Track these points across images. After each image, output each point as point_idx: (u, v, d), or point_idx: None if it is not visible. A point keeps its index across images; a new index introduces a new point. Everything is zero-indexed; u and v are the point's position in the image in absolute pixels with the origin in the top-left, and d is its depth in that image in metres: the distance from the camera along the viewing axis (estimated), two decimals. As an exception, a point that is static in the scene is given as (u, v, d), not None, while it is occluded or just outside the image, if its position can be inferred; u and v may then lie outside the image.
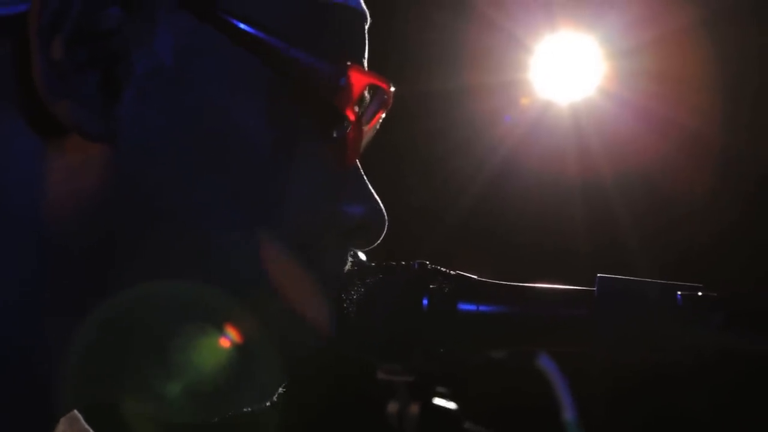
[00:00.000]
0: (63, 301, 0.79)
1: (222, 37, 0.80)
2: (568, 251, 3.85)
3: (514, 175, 4.02)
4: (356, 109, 0.86)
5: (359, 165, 0.93)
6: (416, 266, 0.92)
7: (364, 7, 0.93)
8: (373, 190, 0.92)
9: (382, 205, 0.93)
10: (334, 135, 0.87)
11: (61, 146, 0.77)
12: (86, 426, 0.99)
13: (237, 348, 0.85)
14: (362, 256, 1.07)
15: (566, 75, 3.94)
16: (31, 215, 0.77)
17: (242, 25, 0.80)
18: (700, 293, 0.83)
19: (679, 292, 0.83)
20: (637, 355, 0.86)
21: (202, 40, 0.80)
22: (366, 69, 0.90)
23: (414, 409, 1.75)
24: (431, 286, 0.91)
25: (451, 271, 0.93)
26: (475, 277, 0.93)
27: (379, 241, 0.93)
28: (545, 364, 2.09)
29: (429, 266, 0.93)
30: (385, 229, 0.93)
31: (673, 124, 3.86)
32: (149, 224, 0.79)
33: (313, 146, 0.86)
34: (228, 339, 0.84)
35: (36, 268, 0.78)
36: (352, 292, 0.92)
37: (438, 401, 1.77)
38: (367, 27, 0.93)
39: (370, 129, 0.95)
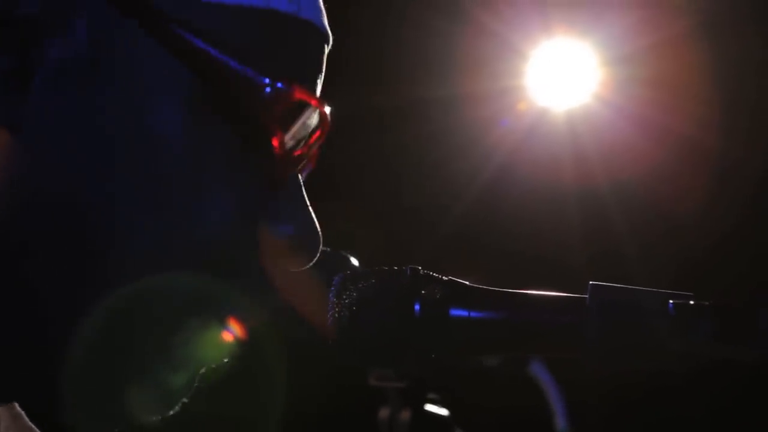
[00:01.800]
0: None
1: (145, 34, 0.77)
2: (562, 258, 3.85)
3: (510, 181, 4.02)
4: (285, 126, 0.82)
5: (300, 182, 0.88)
6: (408, 272, 0.92)
7: (327, 28, 0.90)
8: (310, 208, 0.87)
9: (317, 223, 0.87)
10: (261, 151, 0.82)
11: None
12: (30, 423, 0.98)
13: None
14: (354, 261, 1.07)
15: (562, 81, 3.94)
16: None
17: (168, 25, 0.77)
18: (691, 302, 0.83)
19: (671, 301, 0.83)
20: (627, 363, 0.85)
21: (124, 34, 0.77)
22: (302, 87, 0.84)
23: (405, 415, 1.75)
24: (423, 292, 0.90)
25: (444, 277, 0.93)
26: (468, 283, 0.92)
27: (313, 261, 0.89)
28: (537, 371, 2.10)
29: (421, 272, 0.92)
30: (320, 247, 0.88)
31: (670, 131, 3.86)
32: (48, 217, 0.77)
33: (236, 160, 0.82)
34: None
35: None
36: (344, 297, 0.92)
37: (429, 407, 1.77)
38: (326, 49, 0.90)
39: (307, 150, 0.87)
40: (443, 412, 1.77)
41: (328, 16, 0.92)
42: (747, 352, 0.80)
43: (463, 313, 0.89)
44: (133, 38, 0.78)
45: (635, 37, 3.77)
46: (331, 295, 0.91)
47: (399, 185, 4.06)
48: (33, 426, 0.98)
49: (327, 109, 0.86)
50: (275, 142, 0.82)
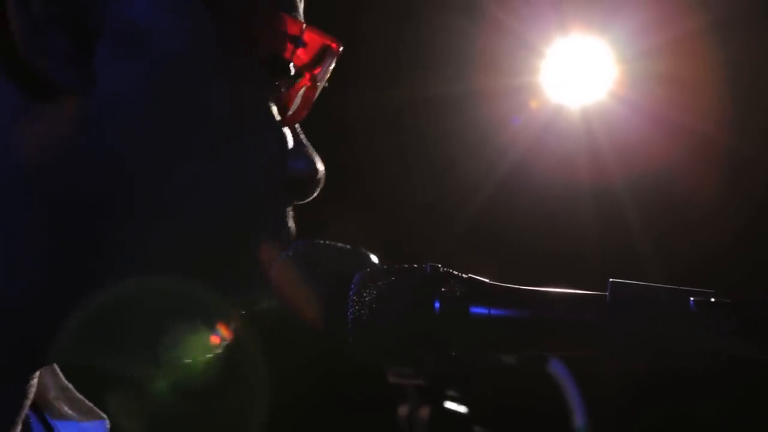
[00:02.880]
0: (36, 254, 0.81)
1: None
2: (578, 255, 3.84)
3: (525, 178, 4.02)
4: (312, 66, 0.91)
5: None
6: (428, 269, 0.92)
7: None
8: (310, 145, 0.96)
9: (319, 160, 0.96)
10: (285, 92, 0.92)
11: (39, 98, 0.79)
12: (66, 382, 1.02)
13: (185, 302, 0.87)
14: (374, 258, 1.08)
15: (577, 79, 3.94)
16: (10, 168, 0.79)
17: None
18: (712, 299, 0.82)
19: (691, 298, 0.83)
20: (648, 360, 0.85)
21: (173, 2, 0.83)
22: (316, 29, 0.93)
23: (424, 412, 1.75)
24: (443, 289, 0.90)
25: (463, 275, 0.93)
26: (488, 280, 0.92)
27: (315, 194, 0.97)
28: (556, 368, 2.09)
29: (441, 269, 0.92)
30: (322, 183, 0.97)
31: (685, 128, 3.85)
32: (116, 174, 0.82)
33: (268, 104, 0.90)
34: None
35: (12, 219, 0.80)
36: (364, 295, 0.92)
37: (448, 405, 1.77)
38: None
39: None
40: (462, 409, 1.78)
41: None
42: (769, 349, 0.80)
43: (483, 310, 0.89)
44: (178, 3, 0.83)
45: (651, 34, 3.76)
46: (351, 292, 0.92)
47: (415, 182, 4.06)
48: (68, 384, 1.00)
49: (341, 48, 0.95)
50: (308, 85, 0.92)
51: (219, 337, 0.89)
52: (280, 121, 0.92)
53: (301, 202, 0.97)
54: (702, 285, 0.84)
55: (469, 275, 0.93)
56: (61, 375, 1.01)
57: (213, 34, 0.85)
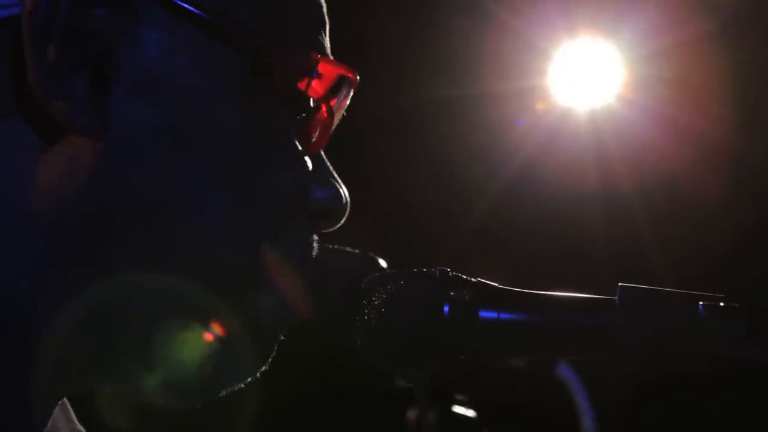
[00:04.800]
0: (55, 284, 0.83)
1: (198, 31, 0.84)
2: (587, 257, 3.84)
3: (533, 181, 4.02)
4: (329, 97, 0.91)
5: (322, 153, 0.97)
6: (437, 273, 0.92)
7: None
8: (336, 175, 0.96)
9: (345, 189, 0.96)
10: (303, 122, 0.92)
11: (54, 140, 0.81)
12: (80, 427, 1.01)
13: (216, 336, 0.88)
14: (383, 263, 1.08)
15: (585, 81, 3.93)
16: (27, 207, 0.81)
17: (214, 18, 0.84)
18: (722, 303, 0.82)
19: (700, 303, 0.83)
20: (657, 364, 0.85)
21: (181, 34, 0.84)
22: (333, 59, 0.93)
23: (433, 416, 1.75)
24: (452, 294, 0.90)
25: (472, 279, 0.93)
26: (496, 284, 0.92)
27: (340, 224, 0.97)
28: (564, 372, 2.09)
29: (450, 273, 0.93)
30: (347, 212, 0.96)
31: (693, 131, 3.85)
32: (137, 212, 0.83)
33: (286, 134, 0.90)
34: (209, 330, 0.87)
35: (29, 254, 0.82)
36: (374, 299, 0.92)
37: (457, 408, 1.77)
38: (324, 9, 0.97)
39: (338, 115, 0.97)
40: (471, 413, 1.78)
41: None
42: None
43: (493, 314, 0.89)
44: (189, 36, 0.84)
45: (659, 37, 3.75)
46: (360, 297, 0.92)
47: (423, 185, 4.06)
48: (81, 429, 1.00)
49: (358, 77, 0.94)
50: (325, 114, 0.91)
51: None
52: (301, 150, 0.92)
53: (328, 230, 0.97)
54: (711, 287, 0.84)
55: (478, 279, 0.93)
56: (74, 418, 1.01)
57: (228, 70, 0.86)
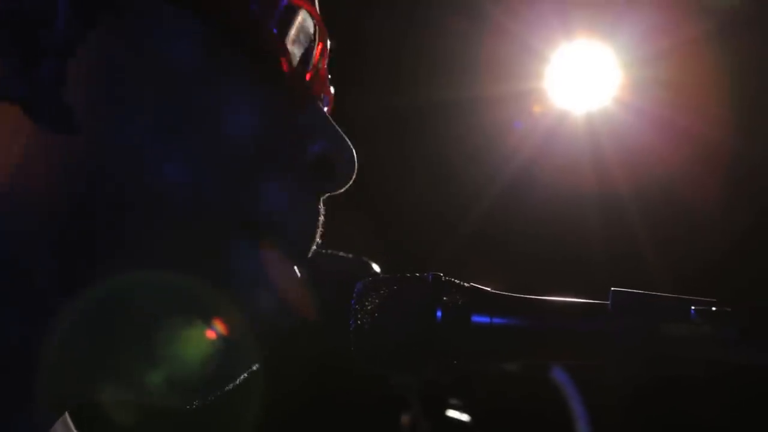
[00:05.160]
0: (54, 284, 0.81)
1: None
2: (583, 260, 3.84)
3: (530, 184, 4.02)
4: (283, 34, 0.87)
5: (321, 108, 0.92)
6: (430, 278, 0.92)
7: None
8: (337, 128, 0.90)
9: (348, 141, 0.90)
10: (275, 77, 0.87)
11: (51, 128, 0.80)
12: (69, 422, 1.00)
13: (216, 329, 0.85)
14: (376, 267, 1.07)
15: (582, 84, 3.94)
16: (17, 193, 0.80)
17: None
18: (713, 308, 0.82)
19: (692, 307, 0.83)
20: (650, 369, 0.85)
21: None
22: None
23: (427, 421, 1.76)
24: (445, 299, 0.90)
25: (465, 283, 0.93)
26: (489, 289, 0.92)
27: (350, 183, 0.91)
28: (558, 376, 2.09)
29: (443, 278, 0.92)
30: (355, 166, 0.91)
31: (689, 134, 3.85)
32: (113, 192, 0.80)
33: (254, 83, 0.86)
34: (209, 323, 0.85)
35: (24, 251, 0.81)
36: (366, 303, 0.92)
37: (451, 413, 1.77)
38: None
39: (315, 71, 0.92)
40: (465, 417, 1.78)
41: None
42: (768, 358, 0.81)
43: (485, 319, 0.89)
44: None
45: (655, 40, 3.76)
46: (353, 301, 0.92)
47: (419, 188, 4.06)
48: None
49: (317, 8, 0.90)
50: (282, 61, 0.86)
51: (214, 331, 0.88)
52: (278, 102, 0.88)
53: (334, 192, 0.92)
54: (709, 289, 0.84)
55: (471, 284, 0.93)
56: (72, 427, 0.99)
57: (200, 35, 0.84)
